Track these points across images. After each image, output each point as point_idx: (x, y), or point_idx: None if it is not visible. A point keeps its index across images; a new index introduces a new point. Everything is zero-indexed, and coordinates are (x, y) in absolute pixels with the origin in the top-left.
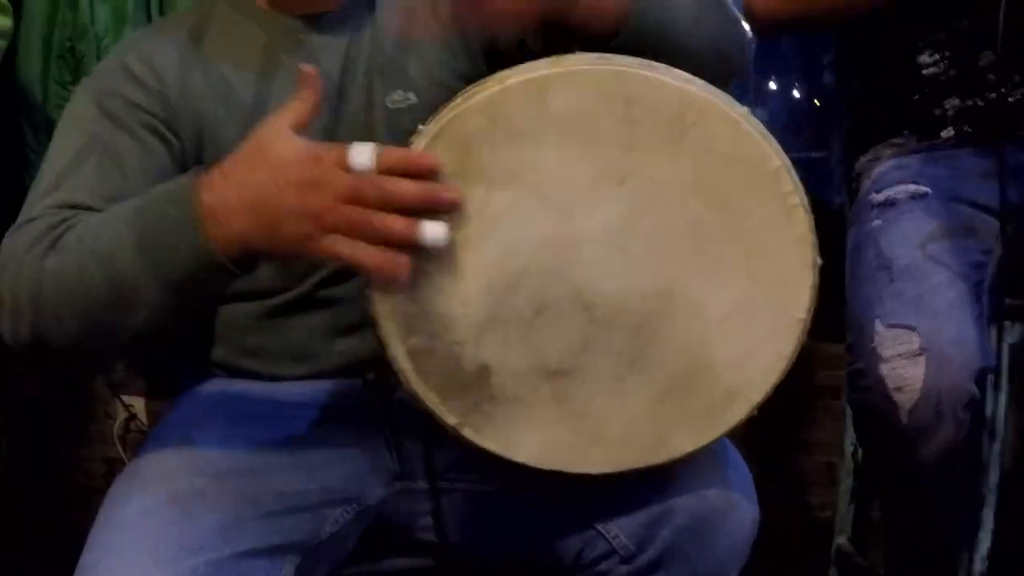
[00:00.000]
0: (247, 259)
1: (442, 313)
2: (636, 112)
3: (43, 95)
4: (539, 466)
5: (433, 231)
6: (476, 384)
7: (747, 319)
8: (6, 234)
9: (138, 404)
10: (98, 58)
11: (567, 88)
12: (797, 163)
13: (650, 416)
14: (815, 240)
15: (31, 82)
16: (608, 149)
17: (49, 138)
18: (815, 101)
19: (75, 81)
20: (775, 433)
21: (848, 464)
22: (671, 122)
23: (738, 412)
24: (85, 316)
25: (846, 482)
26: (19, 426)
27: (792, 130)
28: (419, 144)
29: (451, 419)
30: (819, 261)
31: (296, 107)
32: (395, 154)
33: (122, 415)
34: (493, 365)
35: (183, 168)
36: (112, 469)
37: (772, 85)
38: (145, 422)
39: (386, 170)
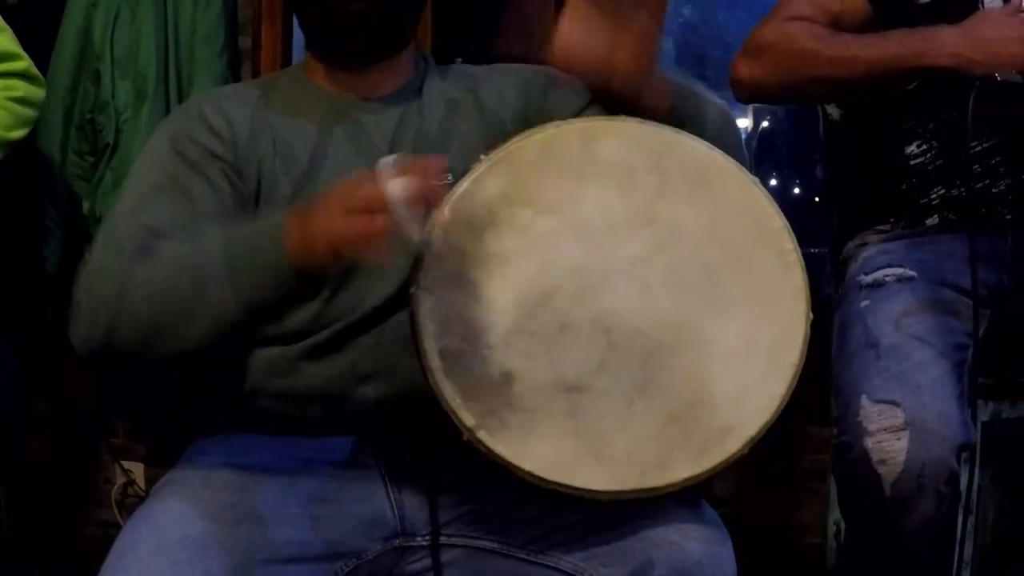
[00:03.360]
0: (306, 280)
1: (476, 318)
2: (667, 164)
3: (61, 164)
4: (544, 477)
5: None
6: (498, 390)
7: (747, 358)
8: (92, 248)
9: (137, 470)
10: (117, 131)
11: (612, 138)
12: None
13: (653, 440)
14: (809, 295)
15: (50, 151)
16: (640, 193)
17: (66, 207)
18: (815, 198)
19: (93, 152)
20: (762, 515)
21: (831, 544)
22: (696, 176)
23: (733, 446)
24: (161, 319)
25: (830, 560)
26: (19, 488)
27: (792, 226)
28: (480, 168)
29: (469, 420)
30: (811, 315)
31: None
32: (410, 162)
33: (120, 480)
34: (516, 374)
35: (244, 210)
36: (108, 534)
37: (772, 182)
38: (143, 488)
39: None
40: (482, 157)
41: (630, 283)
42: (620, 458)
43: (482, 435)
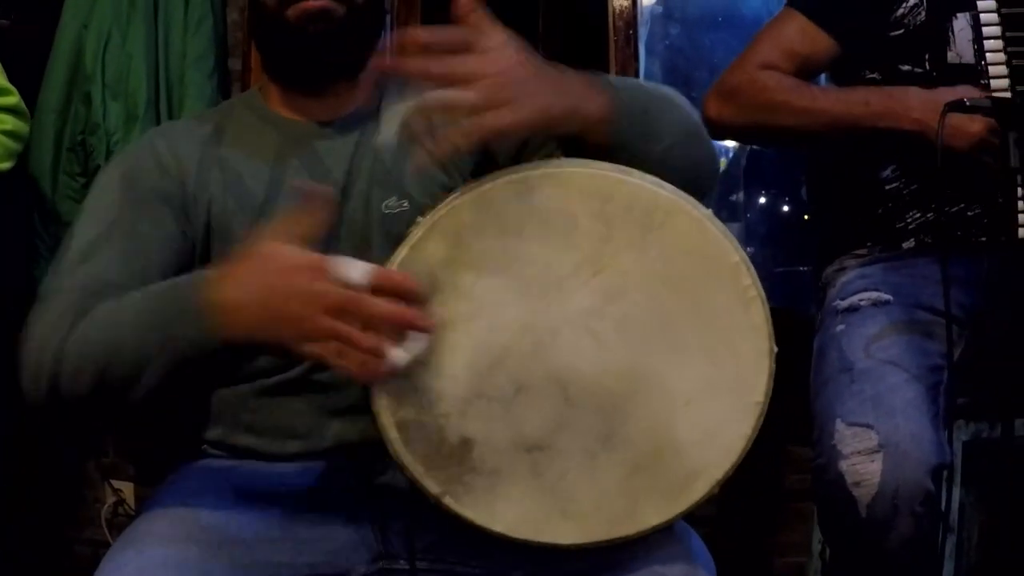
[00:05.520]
0: (246, 349)
1: (430, 388)
2: (611, 210)
3: (52, 186)
4: (515, 536)
5: (394, 356)
6: (459, 456)
7: (709, 401)
8: (35, 304)
9: (127, 489)
10: (108, 153)
11: (550, 187)
12: (782, 277)
13: (619, 491)
14: (771, 329)
15: (42, 173)
16: (585, 242)
17: (57, 227)
18: (804, 216)
19: (84, 173)
20: (746, 534)
21: (816, 563)
22: (642, 219)
23: (701, 489)
24: (98, 382)
25: None
26: (9, 506)
27: (780, 243)
28: (417, 233)
29: (434, 488)
30: (775, 349)
31: (302, 223)
32: (383, 275)
33: (110, 500)
34: (475, 438)
35: (194, 248)
36: (98, 553)
37: (761, 200)
38: (133, 507)
39: (375, 288)
40: (419, 220)
41: (582, 337)
42: (587, 512)
43: (448, 501)
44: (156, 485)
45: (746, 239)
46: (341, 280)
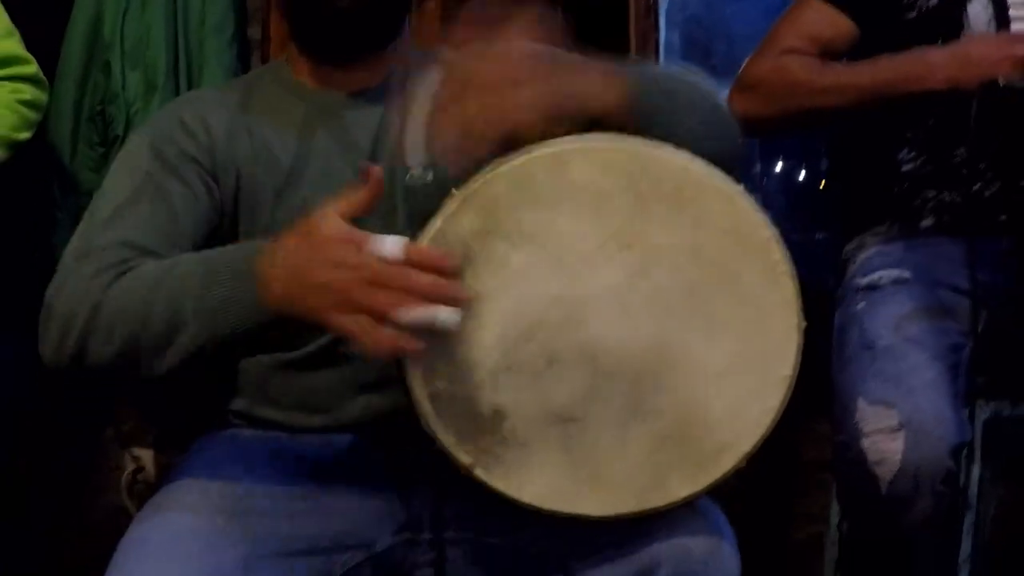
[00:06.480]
0: (282, 323)
1: (462, 359)
2: (643, 185)
3: (71, 156)
4: (544, 507)
5: (444, 314)
6: (490, 427)
7: (738, 374)
8: (66, 254)
9: (146, 456)
10: (127, 123)
11: (584, 161)
12: (800, 244)
13: (648, 462)
14: (800, 304)
15: (60, 143)
16: (617, 216)
17: (77, 198)
18: (820, 183)
19: (103, 143)
20: (764, 505)
21: (834, 534)
22: (673, 194)
23: (729, 461)
24: (132, 340)
25: (831, 551)
26: (27, 473)
27: (797, 211)
28: (452, 205)
29: (465, 459)
30: (804, 323)
31: (353, 199)
32: (419, 251)
33: (130, 467)
34: (507, 409)
35: (222, 215)
36: (117, 520)
37: (778, 166)
38: (153, 474)
39: (410, 262)
40: (453, 192)
41: (613, 310)
42: (617, 483)
43: (479, 472)
44: (176, 452)
45: (762, 208)
46: (377, 254)
